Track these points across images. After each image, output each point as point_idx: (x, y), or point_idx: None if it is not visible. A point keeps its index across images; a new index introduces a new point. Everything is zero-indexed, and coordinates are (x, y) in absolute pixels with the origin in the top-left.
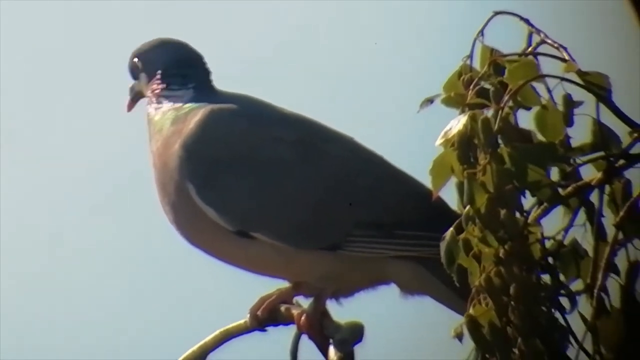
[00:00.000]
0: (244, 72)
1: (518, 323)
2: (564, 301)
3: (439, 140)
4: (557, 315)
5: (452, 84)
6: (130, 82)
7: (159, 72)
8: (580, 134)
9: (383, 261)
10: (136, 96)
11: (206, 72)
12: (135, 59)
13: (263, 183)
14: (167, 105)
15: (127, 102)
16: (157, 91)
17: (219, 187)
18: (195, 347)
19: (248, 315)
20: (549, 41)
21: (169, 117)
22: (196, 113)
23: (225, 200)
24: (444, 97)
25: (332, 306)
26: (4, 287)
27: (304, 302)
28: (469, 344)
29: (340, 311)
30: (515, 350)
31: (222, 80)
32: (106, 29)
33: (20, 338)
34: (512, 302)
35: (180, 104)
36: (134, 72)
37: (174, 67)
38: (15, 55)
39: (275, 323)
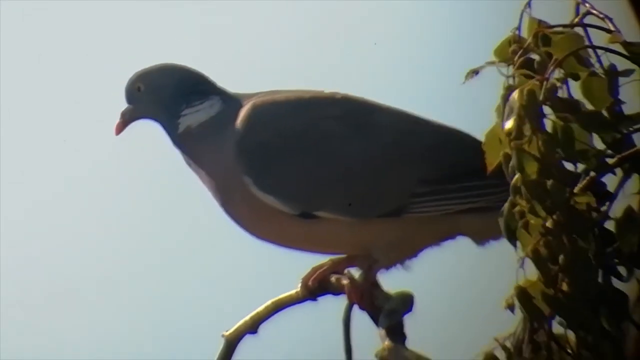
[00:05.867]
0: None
1: (568, 293)
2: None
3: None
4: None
5: (502, 49)
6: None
7: (171, 94)
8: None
9: (450, 217)
10: (130, 120)
11: (214, 84)
12: (138, 84)
13: (318, 162)
14: (199, 118)
15: (117, 125)
16: (177, 112)
17: (276, 174)
18: (247, 317)
19: (300, 285)
20: (595, 12)
21: (212, 125)
22: (240, 111)
23: (284, 186)
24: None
25: (382, 276)
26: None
27: (356, 272)
28: (519, 315)
29: (390, 281)
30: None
31: (237, 83)
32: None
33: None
34: (561, 273)
35: (215, 112)
36: (132, 96)
37: (184, 86)
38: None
39: (326, 293)
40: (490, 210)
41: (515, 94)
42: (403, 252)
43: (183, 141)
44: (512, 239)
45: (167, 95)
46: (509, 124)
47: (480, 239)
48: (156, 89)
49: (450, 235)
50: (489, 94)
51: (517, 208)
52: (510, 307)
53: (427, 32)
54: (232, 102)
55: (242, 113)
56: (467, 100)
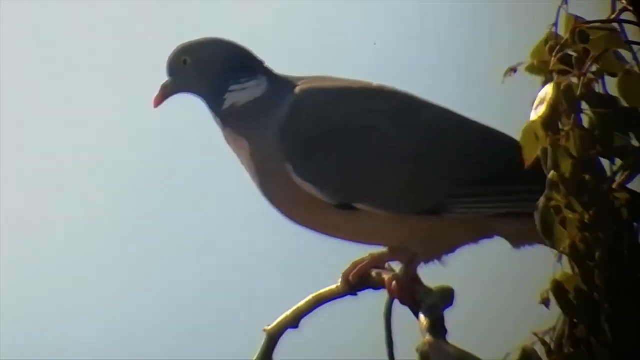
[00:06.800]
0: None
1: (604, 288)
2: None
3: (534, 115)
4: None
5: (539, 50)
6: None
7: (219, 68)
8: None
9: (488, 219)
10: (171, 93)
11: (262, 63)
12: (185, 57)
13: (359, 154)
14: (244, 97)
15: (156, 97)
16: (223, 87)
17: (317, 163)
18: (288, 312)
19: (340, 280)
20: (631, 8)
21: (257, 106)
22: (288, 96)
23: (324, 176)
24: (528, 65)
25: (422, 271)
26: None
27: (396, 267)
28: (556, 310)
29: (431, 275)
30: (603, 316)
31: None
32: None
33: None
34: (597, 269)
35: (261, 93)
36: (176, 68)
37: (233, 62)
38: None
39: (366, 288)
40: (529, 216)
41: (548, 87)
42: (440, 248)
43: (226, 118)
44: (548, 234)
45: (215, 70)
46: (539, 114)
47: (517, 242)
48: (204, 63)
49: (488, 236)
50: (524, 93)
51: (553, 203)
52: (546, 302)
53: (462, 30)
54: (278, 84)
55: (288, 98)
56: (502, 99)
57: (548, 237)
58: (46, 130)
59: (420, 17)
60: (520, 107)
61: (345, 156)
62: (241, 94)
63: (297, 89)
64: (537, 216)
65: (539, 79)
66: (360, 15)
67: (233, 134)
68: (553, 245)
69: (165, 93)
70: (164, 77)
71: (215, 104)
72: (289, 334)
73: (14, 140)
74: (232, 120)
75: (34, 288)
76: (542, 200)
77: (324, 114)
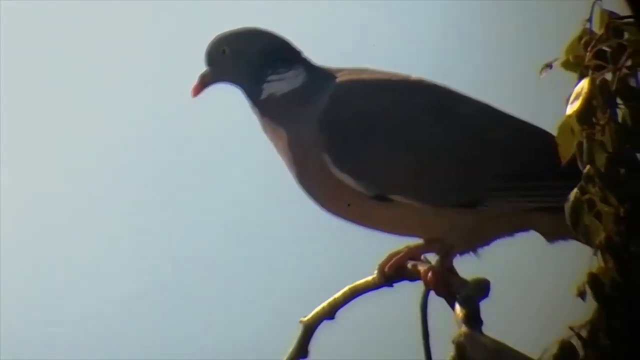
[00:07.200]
0: None
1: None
2: None
3: (569, 110)
4: None
5: (573, 47)
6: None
7: (257, 58)
8: None
9: (523, 213)
10: (210, 82)
11: (300, 53)
12: (224, 47)
13: (397, 146)
14: (283, 87)
15: (194, 87)
16: (262, 77)
17: (355, 155)
18: (324, 304)
19: (376, 272)
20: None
21: (295, 96)
22: (327, 87)
23: (362, 167)
24: (563, 60)
25: (458, 262)
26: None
27: (432, 259)
28: (591, 303)
29: (466, 267)
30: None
31: None
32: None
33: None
34: (633, 261)
35: (300, 83)
36: (214, 58)
37: (271, 52)
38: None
39: (402, 279)
40: (563, 211)
41: (584, 82)
42: (476, 241)
43: (264, 108)
44: (576, 225)
45: (253, 60)
46: (574, 108)
47: (551, 237)
48: (242, 52)
49: (523, 229)
50: (558, 89)
51: (587, 196)
52: (582, 295)
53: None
54: (317, 75)
55: (328, 89)
56: (536, 95)
57: (576, 228)
58: (48, 131)
59: (456, 14)
60: (554, 103)
61: (384, 148)
62: (279, 84)
63: (336, 81)
64: (567, 208)
65: (574, 75)
66: (387, 13)
67: (271, 123)
68: (582, 238)
69: (204, 82)
70: (164, 77)
71: (253, 93)
72: (325, 325)
73: (14, 140)
74: (270, 110)
75: (35, 289)
76: (574, 193)
77: (363, 105)
